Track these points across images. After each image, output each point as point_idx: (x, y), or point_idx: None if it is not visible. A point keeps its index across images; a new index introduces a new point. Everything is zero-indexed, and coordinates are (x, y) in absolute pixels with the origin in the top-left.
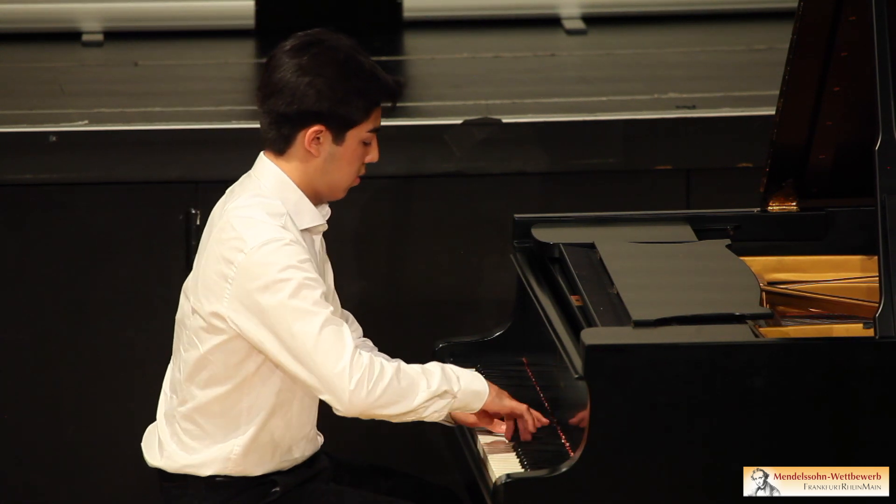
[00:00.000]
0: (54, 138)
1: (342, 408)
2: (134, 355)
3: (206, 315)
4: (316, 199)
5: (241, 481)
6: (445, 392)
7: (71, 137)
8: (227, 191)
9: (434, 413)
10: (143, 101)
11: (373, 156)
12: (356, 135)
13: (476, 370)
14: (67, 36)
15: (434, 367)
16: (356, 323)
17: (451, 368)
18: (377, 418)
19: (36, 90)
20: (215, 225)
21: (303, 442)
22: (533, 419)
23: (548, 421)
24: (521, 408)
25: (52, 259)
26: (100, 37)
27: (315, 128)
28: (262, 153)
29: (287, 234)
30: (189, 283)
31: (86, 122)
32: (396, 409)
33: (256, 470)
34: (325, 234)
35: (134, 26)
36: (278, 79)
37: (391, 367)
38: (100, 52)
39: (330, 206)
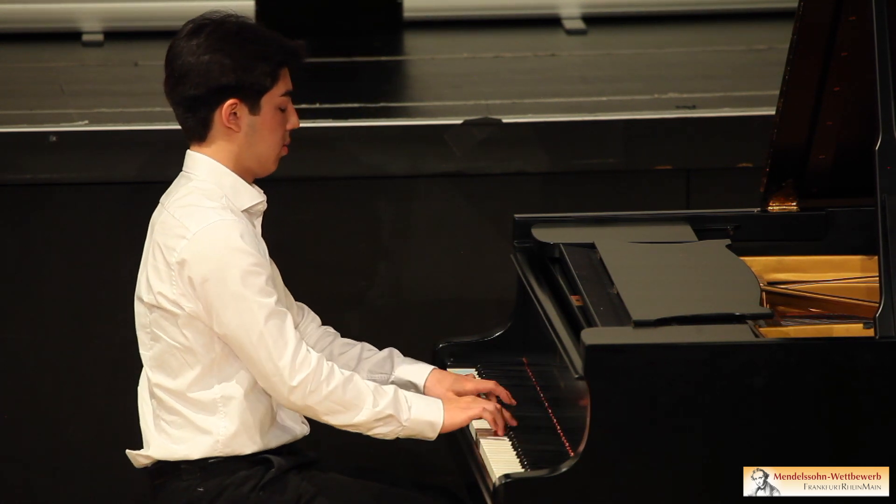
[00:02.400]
0: (54, 138)
1: (282, 402)
2: (134, 355)
3: (161, 303)
4: (249, 177)
5: (234, 461)
6: (390, 417)
7: (71, 137)
8: (163, 196)
9: (381, 434)
10: (143, 101)
11: (293, 122)
12: (270, 101)
13: (476, 370)
14: (67, 36)
15: (389, 389)
16: (312, 313)
17: (406, 396)
18: (321, 420)
19: (36, 90)
20: (156, 222)
21: (288, 419)
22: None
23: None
24: (478, 412)
25: (52, 259)
26: (100, 37)
27: (229, 102)
28: (188, 150)
29: (227, 213)
30: (140, 288)
31: (86, 122)
32: (338, 419)
33: (246, 449)
34: (324, 234)
35: (134, 26)
36: (180, 64)
37: (341, 375)
38: (100, 52)
39: (330, 206)
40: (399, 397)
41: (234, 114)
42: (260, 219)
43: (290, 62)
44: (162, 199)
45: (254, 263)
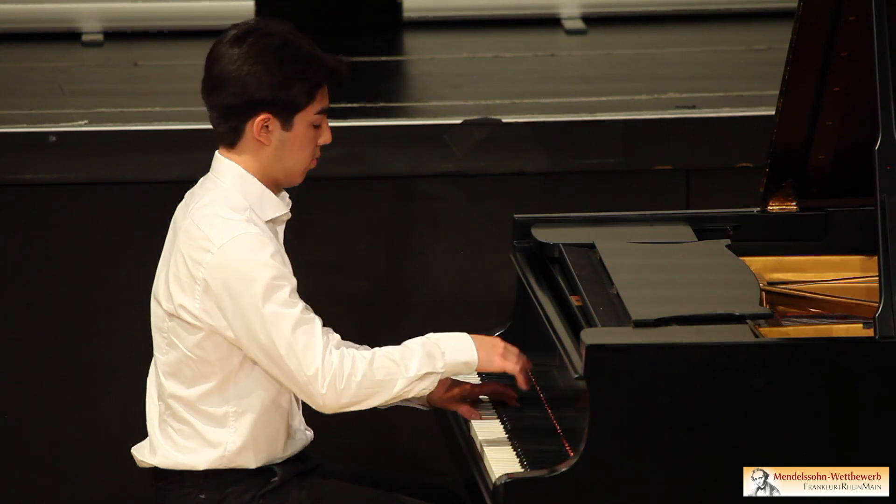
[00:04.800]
0: (54, 138)
1: (318, 408)
2: (134, 355)
3: (182, 314)
4: (275, 188)
5: (238, 472)
6: (425, 375)
7: (71, 137)
8: (188, 193)
9: (418, 391)
10: (143, 101)
11: (325, 137)
12: (304, 118)
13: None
14: (67, 36)
15: (415, 345)
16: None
17: (435, 343)
18: (360, 409)
19: (36, 90)
20: (180, 227)
21: (297, 433)
22: (525, 379)
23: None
24: (513, 368)
25: (52, 259)
26: (100, 37)
27: (262, 116)
28: (216, 152)
29: (252, 227)
30: (158, 288)
31: (86, 122)
32: (374, 401)
33: (251, 464)
34: (324, 234)
35: (134, 26)
36: (219, 71)
37: (364, 359)
38: (100, 52)
39: (330, 206)
40: (429, 349)
41: (266, 127)
42: (283, 226)
43: (329, 82)
44: (186, 198)
45: (276, 276)
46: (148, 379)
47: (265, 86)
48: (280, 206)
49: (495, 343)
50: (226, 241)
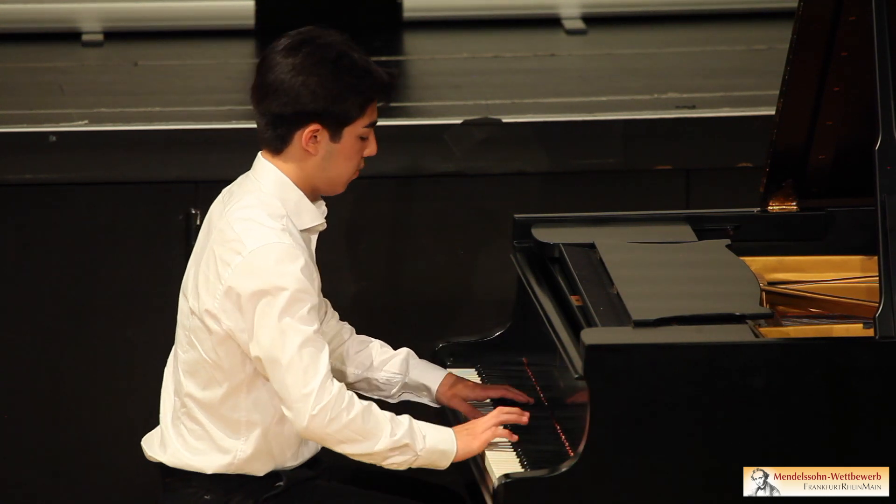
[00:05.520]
0: (54, 138)
1: (299, 429)
2: (134, 355)
3: (202, 315)
4: (314, 196)
5: (245, 476)
6: (406, 446)
7: (71, 137)
8: (225, 190)
9: (395, 464)
10: (143, 101)
11: (371, 149)
12: (353, 131)
13: (476, 370)
14: (67, 36)
15: (404, 419)
16: (332, 309)
17: (419, 425)
18: (336, 450)
19: (36, 90)
20: (215, 226)
21: (309, 442)
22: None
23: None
24: (492, 434)
25: (52, 259)
26: (100, 37)
27: (311, 127)
28: (259, 153)
29: (286, 237)
30: (187, 284)
31: (86, 122)
32: (355, 448)
33: (260, 471)
34: (324, 234)
35: (134, 26)
36: (272, 79)
37: (360, 405)
38: (100, 52)
39: (329, 206)
40: (414, 427)
41: (315, 138)
42: (316, 236)
43: (381, 97)
44: (224, 195)
45: (300, 290)
46: (165, 369)
47: (319, 98)
48: (317, 216)
49: (471, 427)
50: (258, 246)
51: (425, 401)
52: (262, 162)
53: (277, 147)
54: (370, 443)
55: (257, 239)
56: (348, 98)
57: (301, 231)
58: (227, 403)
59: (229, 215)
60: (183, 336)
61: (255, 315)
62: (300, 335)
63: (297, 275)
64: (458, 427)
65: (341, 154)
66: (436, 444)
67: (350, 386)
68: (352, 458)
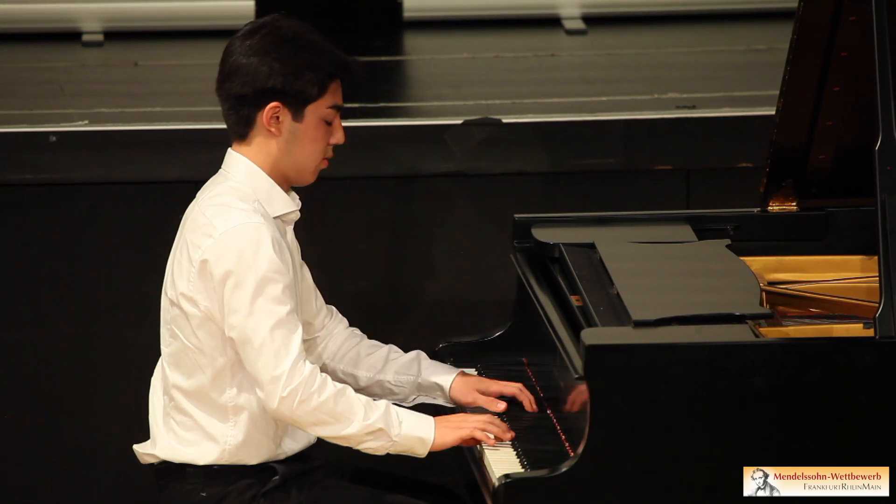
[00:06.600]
0: (54, 138)
1: (270, 411)
2: (134, 355)
3: (179, 301)
4: (286, 185)
5: (240, 469)
6: (380, 431)
7: (71, 137)
8: (200, 190)
9: (371, 449)
10: (143, 101)
11: (337, 137)
12: (315, 111)
13: (476, 370)
14: (67, 36)
15: (381, 403)
16: (340, 315)
17: (397, 411)
18: (309, 433)
19: (36, 90)
20: (187, 217)
21: (297, 431)
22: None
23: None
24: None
25: (52, 259)
26: (100, 37)
27: (272, 104)
28: (229, 148)
29: (257, 217)
30: (166, 280)
31: (86, 122)
32: (327, 430)
33: (252, 459)
34: (323, 234)
35: (134, 26)
36: (231, 62)
37: (333, 387)
38: (100, 52)
39: (329, 206)
40: (390, 412)
41: (277, 117)
42: (291, 226)
43: (341, 76)
44: (197, 195)
45: (273, 270)
46: (153, 377)
47: (276, 74)
48: (289, 204)
49: (451, 419)
50: (229, 227)
51: (440, 401)
52: (231, 154)
53: (243, 132)
54: (342, 425)
55: (228, 220)
56: (305, 74)
57: (275, 218)
58: (213, 389)
59: (200, 204)
60: (166, 332)
61: (228, 295)
62: (272, 316)
63: (269, 254)
64: (441, 417)
65: (305, 135)
66: (412, 431)
67: (363, 390)
68: (329, 441)
